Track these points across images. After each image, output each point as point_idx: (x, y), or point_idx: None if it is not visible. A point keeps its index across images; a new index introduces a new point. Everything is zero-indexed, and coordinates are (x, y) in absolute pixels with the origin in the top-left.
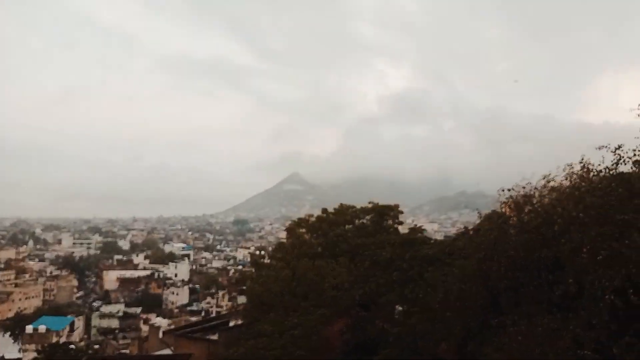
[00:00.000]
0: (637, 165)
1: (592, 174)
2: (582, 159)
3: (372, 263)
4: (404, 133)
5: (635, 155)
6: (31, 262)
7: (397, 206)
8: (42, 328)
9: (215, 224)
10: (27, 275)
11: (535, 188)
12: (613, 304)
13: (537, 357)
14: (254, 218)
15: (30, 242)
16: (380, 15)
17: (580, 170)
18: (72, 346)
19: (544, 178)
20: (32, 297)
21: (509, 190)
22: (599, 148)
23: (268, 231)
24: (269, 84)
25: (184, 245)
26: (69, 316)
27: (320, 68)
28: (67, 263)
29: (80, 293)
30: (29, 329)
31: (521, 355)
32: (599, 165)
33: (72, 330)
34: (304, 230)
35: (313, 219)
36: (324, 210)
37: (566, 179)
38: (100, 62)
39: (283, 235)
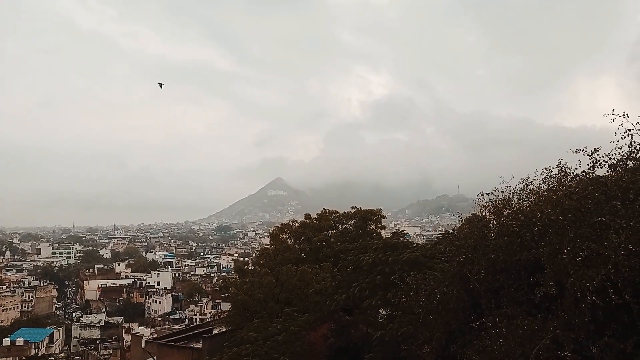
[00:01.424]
0: (612, 169)
1: (569, 177)
2: (560, 163)
3: (355, 268)
4: (386, 138)
5: (610, 158)
6: (8, 273)
7: (379, 211)
8: (19, 340)
9: (198, 231)
10: (4, 287)
11: (515, 192)
12: (594, 303)
13: (518, 358)
14: (237, 224)
15: (7, 253)
16: (360, 21)
17: (558, 173)
18: (52, 358)
19: (522, 182)
20: (10, 309)
21: (488, 194)
22: (576, 151)
23: (252, 237)
24: (251, 90)
25: (166, 253)
26: (48, 327)
27: (302, 74)
28: (46, 273)
29: (60, 304)
30: (6, 341)
31: (502, 357)
32: (576, 168)
33: (51, 342)
34: (287, 236)
35: (296, 224)
36: (307, 216)
37: (544, 182)
38: (80, 68)
39: (267, 241)
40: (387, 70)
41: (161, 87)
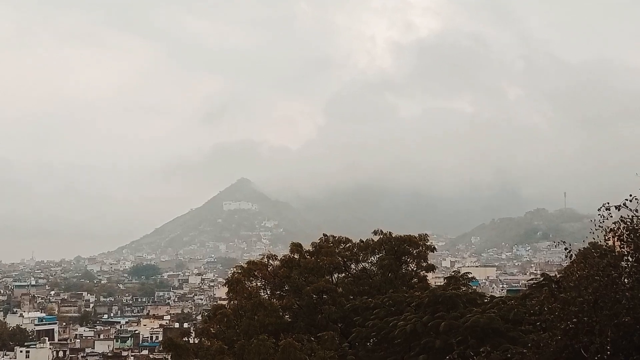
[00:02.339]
0: None
1: None
2: None
3: (381, 340)
4: (436, 107)
5: None
6: None
7: (424, 237)
8: None
9: (100, 274)
10: None
11: None
12: None
13: None
14: (169, 262)
15: None
16: None
17: None
18: None
19: None
20: None
21: (619, 207)
22: None
23: (195, 286)
24: (193, 22)
25: (41, 315)
26: None
27: None
28: None
29: None
30: None
31: None
32: None
33: None
34: (259, 283)
35: (276, 262)
36: (295, 247)
37: None
38: None
39: (222, 292)
40: None
41: None
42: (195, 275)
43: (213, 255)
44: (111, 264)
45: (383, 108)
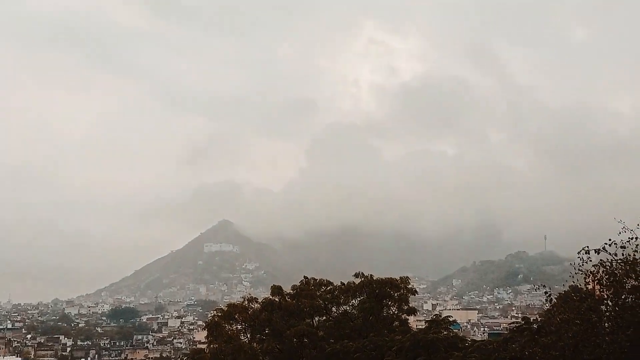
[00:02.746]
0: None
1: None
2: None
3: None
4: (419, 150)
5: None
6: None
7: (405, 280)
8: None
9: (78, 317)
10: None
11: None
12: None
13: None
14: (148, 305)
15: None
16: None
17: None
18: None
19: None
20: None
21: (598, 251)
22: None
23: (175, 329)
24: (174, 62)
25: (17, 359)
26: None
27: (269, 34)
28: None
29: None
30: None
31: None
32: None
33: None
34: (239, 326)
35: (256, 305)
36: (276, 290)
37: None
38: None
39: (202, 336)
40: (422, 30)
41: None
42: (175, 318)
43: (193, 298)
44: (89, 307)
45: (366, 150)
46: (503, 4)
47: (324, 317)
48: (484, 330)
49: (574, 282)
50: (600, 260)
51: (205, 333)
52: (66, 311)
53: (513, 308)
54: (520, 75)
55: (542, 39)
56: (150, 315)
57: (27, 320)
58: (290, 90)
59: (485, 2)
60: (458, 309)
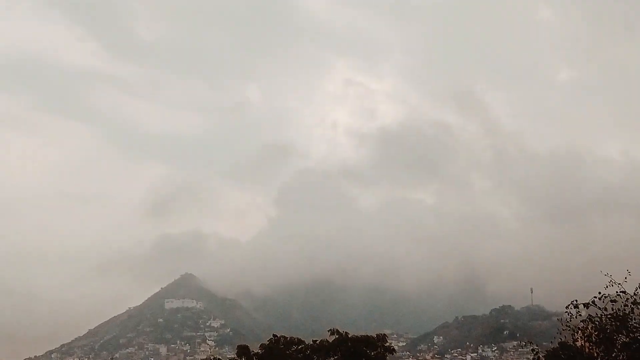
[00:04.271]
0: None
1: None
2: None
3: None
4: (397, 198)
5: None
6: None
7: (383, 338)
8: None
9: None
10: None
11: (636, 301)
12: None
13: None
14: None
15: None
16: None
17: None
18: None
19: None
20: None
21: (587, 305)
22: None
23: None
24: (135, 105)
25: None
26: None
27: (235, 74)
28: None
29: None
30: None
31: None
32: None
33: None
34: None
35: None
36: (243, 350)
37: None
38: None
39: None
40: (401, 70)
41: None
42: None
43: (152, 359)
44: None
45: (340, 200)
46: (485, 44)
47: None
48: None
49: (562, 339)
50: (589, 315)
51: None
52: None
53: None
54: (505, 119)
55: (526, 80)
56: None
57: None
58: (259, 134)
59: (466, 43)
60: None
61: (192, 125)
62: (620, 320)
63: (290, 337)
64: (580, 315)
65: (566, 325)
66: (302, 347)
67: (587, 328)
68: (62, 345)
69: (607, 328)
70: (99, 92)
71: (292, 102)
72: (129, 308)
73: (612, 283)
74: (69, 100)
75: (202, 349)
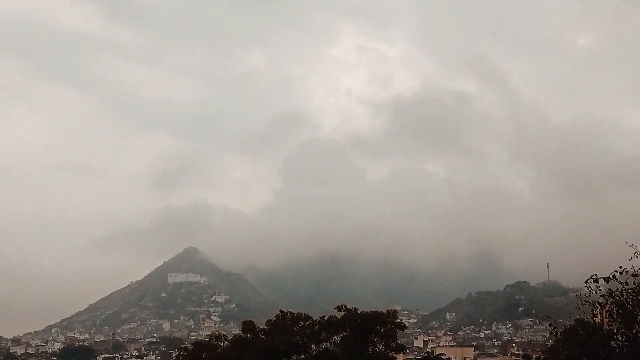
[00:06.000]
0: None
1: None
2: None
3: None
4: (408, 169)
5: None
6: None
7: (393, 314)
8: None
9: (25, 357)
10: None
11: None
12: None
13: None
14: (105, 342)
15: None
16: None
17: None
18: None
19: None
20: None
21: (607, 279)
22: None
23: None
24: (135, 72)
25: None
26: None
27: (238, 40)
28: None
29: None
30: None
31: None
32: None
33: None
34: None
35: (225, 343)
36: (248, 325)
37: None
38: None
39: None
40: (412, 36)
41: None
42: (135, 357)
43: (155, 335)
44: (38, 346)
45: (347, 172)
46: (502, 11)
47: (302, 356)
48: None
49: (580, 315)
50: (609, 290)
51: None
52: (11, 350)
53: (513, 344)
54: (523, 87)
55: (546, 47)
56: (107, 355)
57: None
58: (261, 103)
59: (482, 8)
60: (452, 346)
61: (196, 94)
62: None
63: (298, 313)
64: (600, 289)
65: (585, 301)
66: (309, 323)
67: (606, 303)
68: (63, 320)
69: (629, 303)
70: (96, 57)
71: (300, 70)
72: (131, 282)
73: (636, 255)
74: (64, 65)
75: (206, 324)
